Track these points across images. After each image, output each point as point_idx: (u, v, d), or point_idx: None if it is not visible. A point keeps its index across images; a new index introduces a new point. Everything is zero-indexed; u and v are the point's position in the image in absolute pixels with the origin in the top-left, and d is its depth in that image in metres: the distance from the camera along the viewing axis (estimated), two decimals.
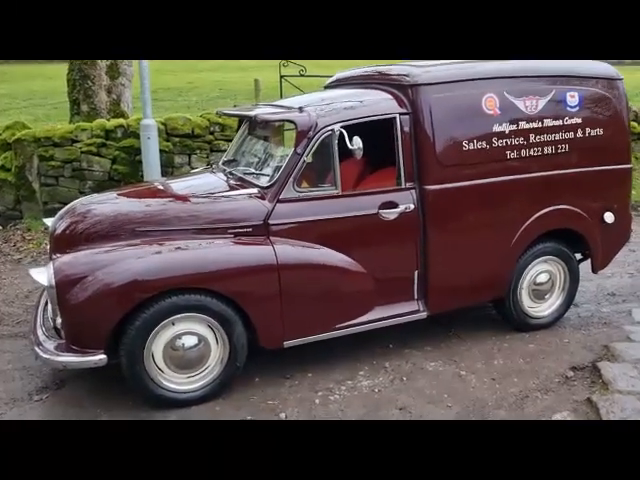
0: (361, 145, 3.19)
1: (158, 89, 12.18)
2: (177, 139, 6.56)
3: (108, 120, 6.79)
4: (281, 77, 7.38)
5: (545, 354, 3.70)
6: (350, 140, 3.21)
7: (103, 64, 7.29)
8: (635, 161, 7.11)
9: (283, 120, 3.50)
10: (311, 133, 3.27)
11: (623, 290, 4.69)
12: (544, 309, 4.03)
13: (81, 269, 2.99)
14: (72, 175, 6.41)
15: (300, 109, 3.42)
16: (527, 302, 3.95)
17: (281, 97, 7.19)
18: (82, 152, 6.37)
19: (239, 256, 3.18)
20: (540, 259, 3.88)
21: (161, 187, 3.88)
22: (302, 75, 7.05)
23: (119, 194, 3.76)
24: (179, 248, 3.10)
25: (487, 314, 4.25)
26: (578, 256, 4.11)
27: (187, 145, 6.57)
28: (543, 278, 3.94)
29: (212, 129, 6.65)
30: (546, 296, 4.01)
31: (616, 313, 4.25)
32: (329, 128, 3.28)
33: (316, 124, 3.28)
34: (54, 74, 15.14)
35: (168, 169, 6.49)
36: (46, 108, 12.11)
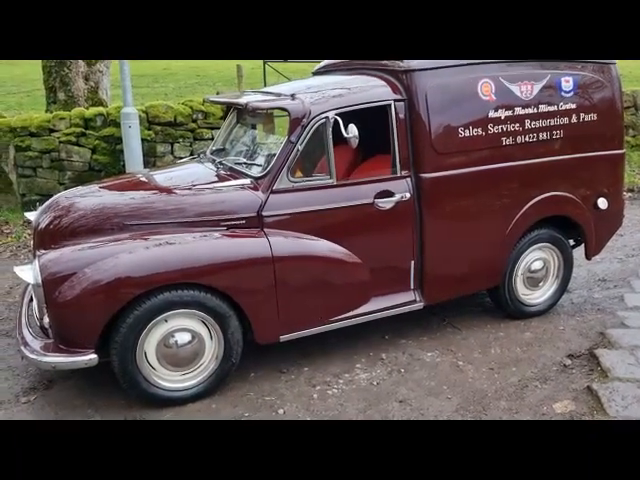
0: (357, 133, 3.10)
1: (133, 76, 11.86)
2: (159, 127, 6.39)
3: (87, 108, 6.59)
4: (264, 62, 7.23)
5: (541, 342, 3.68)
6: (345, 128, 3.12)
7: None
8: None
9: (275, 108, 3.39)
10: (305, 121, 3.16)
11: (613, 275, 4.70)
12: (538, 296, 4.00)
13: (68, 266, 2.87)
14: (51, 166, 6.23)
15: (292, 96, 3.31)
16: (522, 290, 3.92)
17: (265, 83, 7.05)
18: (60, 142, 6.19)
19: (232, 249, 3.08)
20: (535, 246, 3.85)
21: (148, 178, 3.74)
22: (286, 61, 6.91)
23: (104, 186, 3.62)
24: (170, 242, 2.99)
25: (480, 302, 4.22)
26: (571, 242, 4.09)
27: (170, 134, 6.41)
28: (538, 265, 3.91)
29: (195, 117, 6.49)
30: (540, 283, 3.98)
31: (608, 299, 4.25)
32: (323, 115, 3.18)
33: (310, 111, 3.17)
34: (17, 60, 14.68)
35: (150, 158, 6.33)
36: (19, 96, 11.78)
